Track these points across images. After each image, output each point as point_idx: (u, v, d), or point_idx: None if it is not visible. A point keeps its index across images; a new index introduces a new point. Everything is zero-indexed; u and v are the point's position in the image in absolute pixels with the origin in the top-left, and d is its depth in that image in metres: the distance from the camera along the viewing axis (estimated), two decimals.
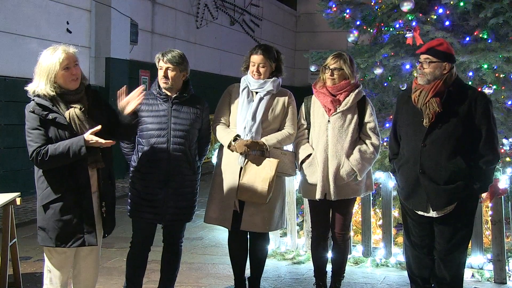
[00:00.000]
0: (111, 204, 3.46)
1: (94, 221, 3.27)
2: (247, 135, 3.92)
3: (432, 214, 3.61)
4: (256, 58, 3.98)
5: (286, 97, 4.05)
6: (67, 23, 9.06)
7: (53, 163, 3.12)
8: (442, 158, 3.54)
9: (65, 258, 3.35)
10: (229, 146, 3.94)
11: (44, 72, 3.16)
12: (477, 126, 3.52)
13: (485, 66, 5.69)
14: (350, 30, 6.82)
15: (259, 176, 3.85)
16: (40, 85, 3.16)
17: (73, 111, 3.19)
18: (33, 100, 3.17)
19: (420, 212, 3.67)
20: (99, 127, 3.16)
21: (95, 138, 3.13)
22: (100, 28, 9.70)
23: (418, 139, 3.61)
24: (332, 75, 3.95)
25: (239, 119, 3.97)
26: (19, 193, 4.29)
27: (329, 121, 3.97)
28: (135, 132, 3.68)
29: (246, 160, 3.91)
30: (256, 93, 4.00)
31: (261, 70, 3.98)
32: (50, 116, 3.15)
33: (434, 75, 3.58)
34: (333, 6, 6.94)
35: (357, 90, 4.00)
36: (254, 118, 3.94)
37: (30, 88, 3.21)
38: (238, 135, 3.94)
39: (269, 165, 3.86)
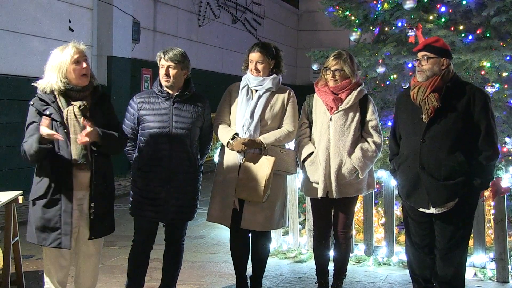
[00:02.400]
0: (104, 207, 3.39)
1: (72, 223, 3.25)
2: (245, 133, 3.91)
3: (433, 210, 3.61)
4: (253, 56, 3.97)
5: (286, 94, 4.02)
6: (69, 21, 9.06)
7: (30, 156, 3.14)
8: (442, 153, 3.54)
9: (59, 257, 3.36)
10: (227, 145, 3.94)
11: (55, 67, 3.20)
12: (476, 122, 3.53)
13: (488, 64, 5.67)
14: (352, 28, 6.80)
15: (256, 174, 3.84)
16: (51, 80, 3.19)
17: (71, 109, 3.22)
18: (36, 95, 3.22)
19: (421, 209, 3.67)
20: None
21: (50, 132, 3.06)
22: (102, 26, 9.69)
23: (417, 135, 3.62)
24: (333, 76, 3.94)
25: (238, 117, 3.97)
26: (21, 191, 4.28)
27: (331, 119, 3.96)
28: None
29: (244, 158, 3.91)
30: (256, 91, 4.00)
31: (259, 67, 3.97)
32: (47, 111, 3.18)
33: (432, 71, 3.59)
34: (335, 4, 6.92)
35: (359, 89, 3.99)
36: (252, 116, 3.93)
37: (40, 84, 3.24)
38: (236, 134, 3.94)
39: (266, 163, 3.85)
